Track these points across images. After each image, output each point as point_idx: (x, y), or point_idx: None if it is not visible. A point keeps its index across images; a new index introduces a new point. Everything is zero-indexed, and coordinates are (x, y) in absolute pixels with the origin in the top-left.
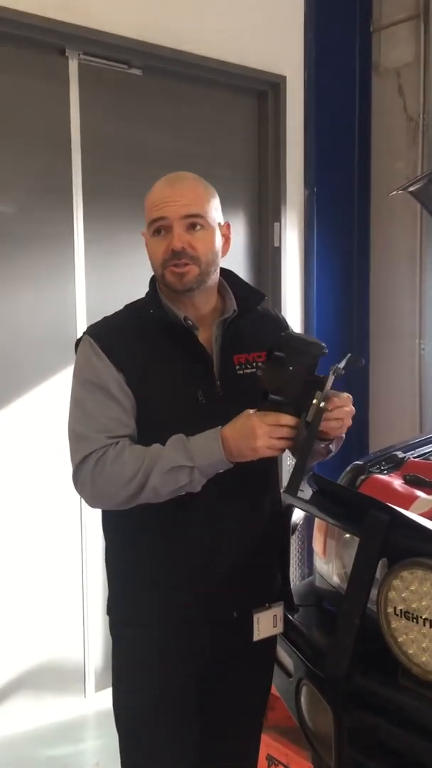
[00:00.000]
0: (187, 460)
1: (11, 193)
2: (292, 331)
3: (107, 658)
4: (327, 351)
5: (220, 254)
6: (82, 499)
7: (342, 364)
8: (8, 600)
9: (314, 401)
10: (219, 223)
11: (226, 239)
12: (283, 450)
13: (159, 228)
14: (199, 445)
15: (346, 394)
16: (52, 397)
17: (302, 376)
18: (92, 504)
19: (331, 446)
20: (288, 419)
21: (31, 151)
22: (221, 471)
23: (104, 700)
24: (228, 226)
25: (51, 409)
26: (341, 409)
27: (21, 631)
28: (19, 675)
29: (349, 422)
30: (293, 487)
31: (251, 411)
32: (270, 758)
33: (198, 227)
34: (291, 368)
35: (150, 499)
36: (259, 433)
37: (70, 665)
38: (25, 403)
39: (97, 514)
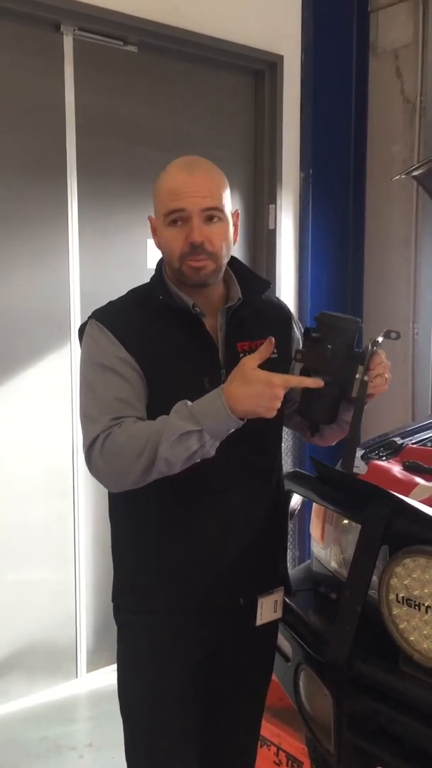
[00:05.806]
0: (193, 425)
1: (4, 173)
2: (325, 311)
3: (99, 639)
4: (362, 325)
5: (232, 245)
6: (100, 484)
7: (380, 338)
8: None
9: (357, 376)
10: (230, 213)
11: (235, 228)
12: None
13: (176, 219)
14: (203, 407)
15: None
16: (46, 378)
17: (343, 353)
18: (109, 486)
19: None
20: (312, 382)
21: (25, 129)
22: (232, 430)
23: (96, 680)
24: (237, 214)
25: (44, 390)
26: (380, 366)
27: (12, 611)
28: (11, 655)
29: (390, 376)
30: (349, 463)
31: (251, 363)
32: (262, 739)
33: (215, 219)
34: (330, 347)
35: (164, 472)
36: (280, 394)
37: (61, 645)
38: (19, 384)
39: (90, 494)
